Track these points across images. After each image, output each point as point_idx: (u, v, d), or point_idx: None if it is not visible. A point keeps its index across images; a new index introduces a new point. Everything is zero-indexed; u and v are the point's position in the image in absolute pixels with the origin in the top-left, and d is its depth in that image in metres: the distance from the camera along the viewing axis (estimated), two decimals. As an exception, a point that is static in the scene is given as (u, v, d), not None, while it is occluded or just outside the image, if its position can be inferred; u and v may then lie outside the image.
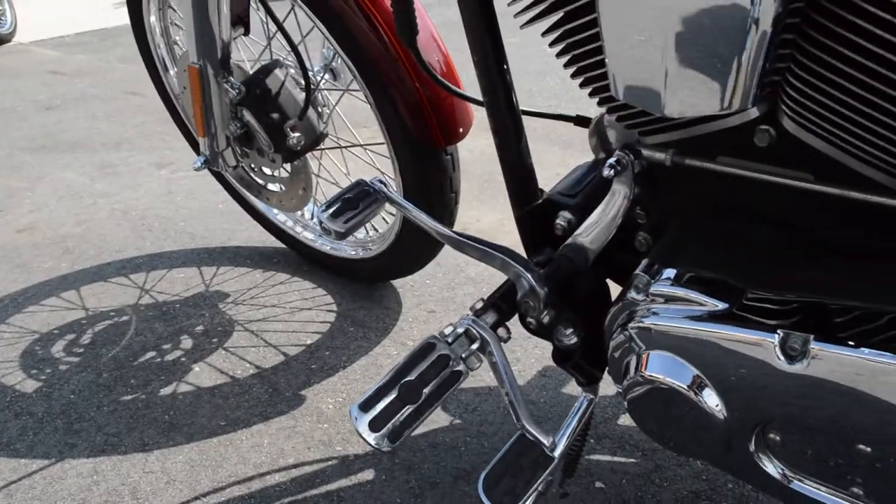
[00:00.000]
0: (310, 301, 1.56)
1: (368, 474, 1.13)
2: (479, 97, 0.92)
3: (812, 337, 0.62)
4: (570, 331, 0.87)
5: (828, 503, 0.69)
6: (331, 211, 0.92)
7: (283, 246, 1.74)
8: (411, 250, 1.42)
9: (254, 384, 1.34)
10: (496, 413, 1.22)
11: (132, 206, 2.06)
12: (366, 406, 0.77)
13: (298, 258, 1.71)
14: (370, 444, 0.75)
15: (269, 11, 1.19)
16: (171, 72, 1.65)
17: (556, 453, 0.88)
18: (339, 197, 0.94)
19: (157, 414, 1.28)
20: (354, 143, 1.46)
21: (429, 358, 0.80)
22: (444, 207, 1.31)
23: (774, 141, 0.69)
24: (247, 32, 1.32)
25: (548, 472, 0.76)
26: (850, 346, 0.61)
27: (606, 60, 0.64)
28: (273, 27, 1.23)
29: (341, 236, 0.93)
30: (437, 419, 1.22)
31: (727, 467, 0.76)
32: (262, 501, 1.10)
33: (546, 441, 0.77)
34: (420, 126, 1.19)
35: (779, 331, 0.64)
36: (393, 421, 0.76)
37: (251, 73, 1.31)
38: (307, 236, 1.64)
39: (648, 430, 0.79)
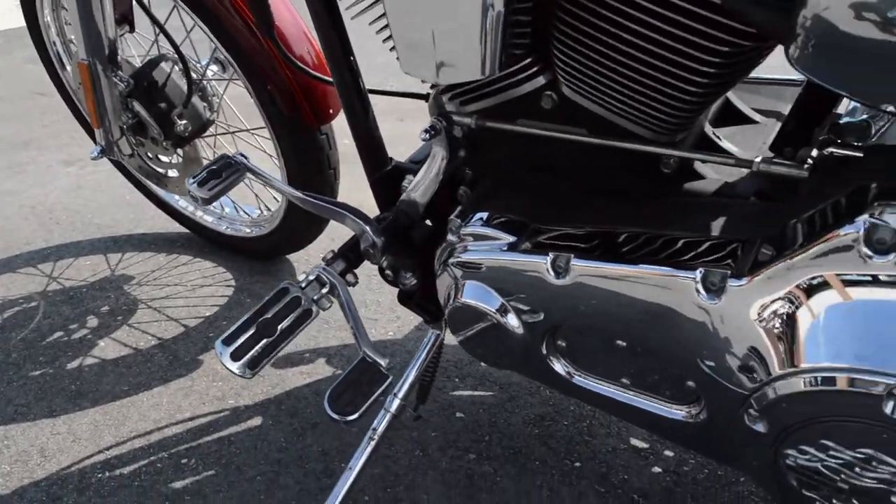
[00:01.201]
0: (210, 279, 1.68)
1: (256, 421, 1.26)
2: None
3: (573, 256, 0.78)
4: (409, 274, 1.02)
5: (602, 391, 0.85)
6: (197, 181, 1.05)
7: (186, 230, 1.85)
8: (299, 226, 1.55)
9: (155, 353, 1.45)
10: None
11: (40, 202, 2.13)
12: (228, 341, 0.90)
13: (200, 240, 1.82)
14: (233, 372, 0.89)
15: (147, 13, 1.31)
16: (68, 68, 1.75)
17: (408, 385, 1.03)
18: (205, 168, 1.07)
19: (65, 385, 1.38)
20: (241, 129, 1.59)
21: (283, 300, 0.93)
22: (324, 182, 1.44)
23: (557, 104, 0.85)
24: (132, 30, 1.43)
25: (384, 386, 0.90)
26: (602, 260, 0.77)
27: (393, 41, 0.79)
28: (164, 20, 1.34)
29: (206, 202, 1.06)
30: (321, 371, 1.36)
31: (529, 372, 0.92)
32: (160, 450, 1.22)
33: (383, 362, 0.92)
34: (293, 110, 1.33)
35: (550, 253, 0.80)
36: (252, 352, 0.90)
37: (139, 66, 1.42)
38: (207, 219, 1.75)
39: (469, 349, 0.95)
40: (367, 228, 0.97)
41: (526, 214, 0.87)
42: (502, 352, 0.91)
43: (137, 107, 1.43)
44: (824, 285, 0.61)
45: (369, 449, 1.04)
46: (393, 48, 0.81)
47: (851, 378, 0.59)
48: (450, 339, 1.42)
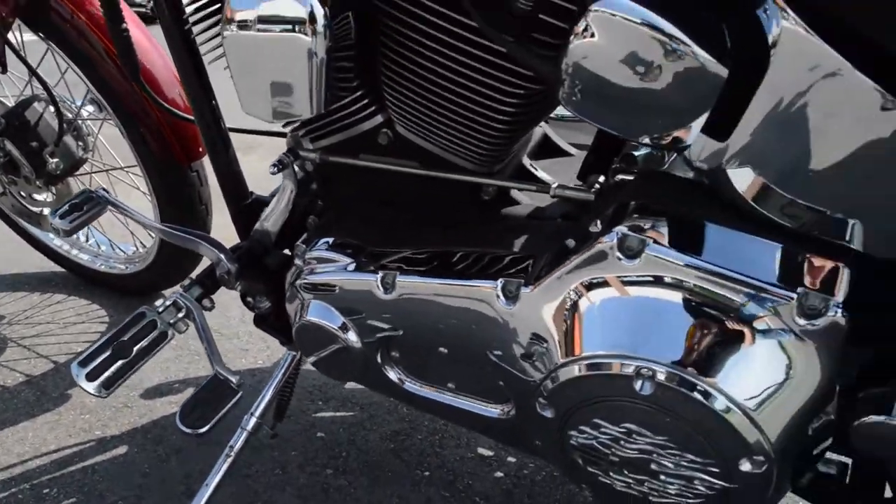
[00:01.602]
0: (84, 316, 1.70)
1: (122, 450, 1.29)
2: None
3: (398, 273, 0.88)
4: (263, 298, 1.09)
5: (430, 396, 0.95)
6: (59, 213, 1.11)
7: (62, 269, 1.86)
8: (173, 261, 1.60)
9: (23, 389, 1.46)
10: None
11: None
12: (84, 362, 0.95)
13: (76, 279, 1.84)
14: (89, 392, 0.94)
15: (17, 55, 1.36)
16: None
17: (264, 404, 1.10)
18: (67, 202, 1.12)
19: (-75, 423, 1.38)
20: (115, 167, 1.63)
21: (140, 323, 0.99)
22: (196, 218, 1.51)
23: (392, 141, 0.96)
24: (4, 71, 1.47)
25: (234, 400, 0.97)
26: (423, 275, 0.87)
27: (235, 87, 0.88)
28: (38, 62, 1.39)
29: (67, 234, 1.11)
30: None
31: (369, 383, 1.01)
32: (23, 482, 1.24)
33: (233, 378, 0.99)
34: (163, 149, 1.39)
35: (379, 271, 0.90)
36: (107, 373, 0.95)
37: (11, 106, 1.46)
38: (83, 257, 1.78)
39: (316, 364, 1.03)
40: (223, 256, 1.04)
41: (365, 239, 0.97)
42: (345, 365, 0.99)
43: (9, 146, 1.46)
44: (589, 287, 0.72)
45: (226, 465, 1.09)
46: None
47: (609, 363, 0.71)
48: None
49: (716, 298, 0.68)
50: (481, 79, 0.81)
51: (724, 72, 0.63)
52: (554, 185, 0.87)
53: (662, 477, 0.75)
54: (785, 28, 0.61)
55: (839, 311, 0.65)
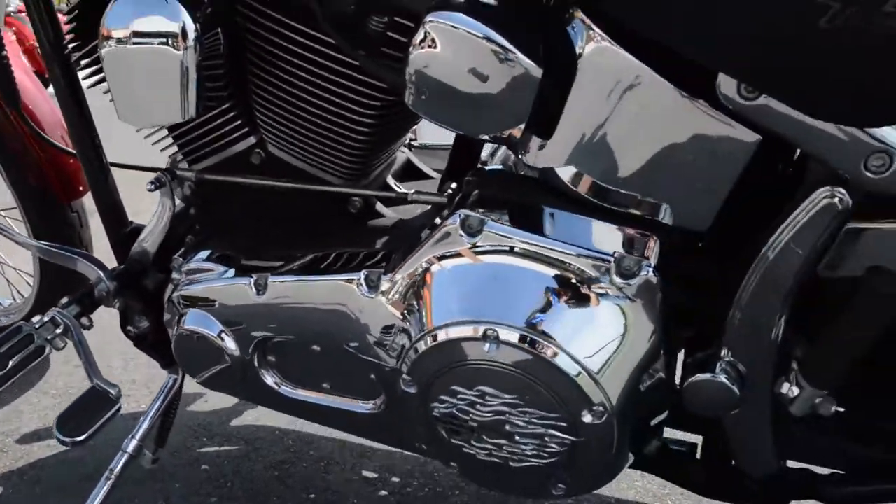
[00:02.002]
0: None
1: (-6, 491, 1.26)
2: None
3: (270, 274, 0.94)
4: (142, 318, 1.12)
5: (307, 399, 0.99)
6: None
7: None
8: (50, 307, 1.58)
9: None
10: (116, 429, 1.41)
11: None
12: (-47, 377, 0.95)
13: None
14: (-45, 406, 0.93)
15: None
16: None
17: (145, 427, 1.11)
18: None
19: None
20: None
21: (16, 337, 1.00)
22: (77, 262, 1.51)
23: (264, 159, 1.02)
24: None
25: (112, 411, 0.98)
26: (293, 274, 0.93)
27: (111, 94, 0.93)
28: None
29: None
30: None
31: (248, 392, 1.04)
32: None
33: (112, 390, 1.00)
34: (43, 187, 1.41)
35: (253, 275, 0.95)
36: (-22, 386, 0.95)
37: None
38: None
39: (196, 377, 1.05)
40: (101, 274, 1.07)
41: (240, 251, 1.02)
42: (224, 374, 1.02)
43: None
44: (438, 264, 0.80)
45: (106, 488, 1.08)
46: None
47: (459, 328, 0.78)
48: (199, 406, 1.49)
49: (547, 265, 0.76)
50: (341, 92, 0.90)
51: (539, 73, 0.74)
52: (411, 192, 0.96)
53: (517, 438, 0.81)
54: (590, 40, 0.73)
55: (650, 270, 0.74)
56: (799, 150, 0.77)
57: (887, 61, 0.58)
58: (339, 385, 0.98)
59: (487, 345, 0.77)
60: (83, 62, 1.02)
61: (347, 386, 0.97)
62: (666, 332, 0.78)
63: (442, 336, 0.79)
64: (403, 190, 1.06)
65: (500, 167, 0.94)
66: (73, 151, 1.32)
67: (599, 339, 0.76)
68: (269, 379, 1.00)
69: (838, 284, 0.73)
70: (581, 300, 0.76)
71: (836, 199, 0.69)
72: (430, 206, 1.00)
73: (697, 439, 0.94)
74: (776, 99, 0.66)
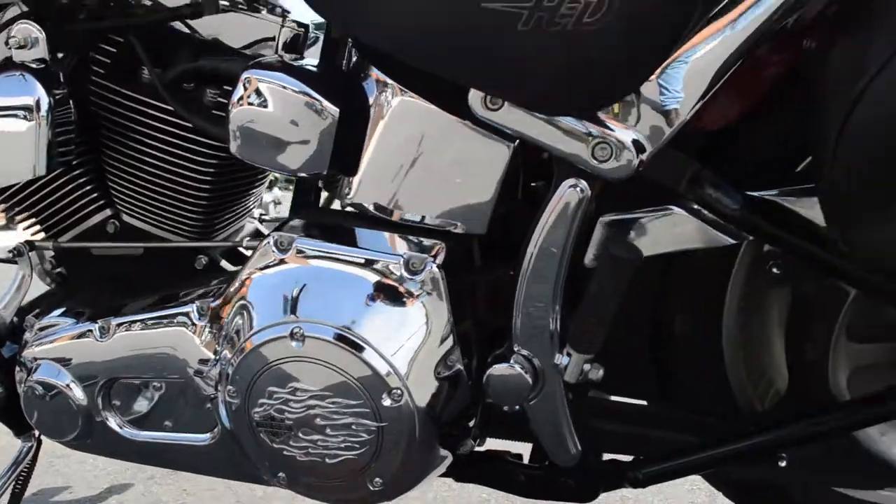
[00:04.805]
0: None
1: None
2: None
3: (113, 318, 1.01)
4: (-3, 386, 1.16)
5: (151, 439, 1.03)
6: None
7: None
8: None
9: None
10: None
11: None
12: None
13: None
14: None
15: None
16: None
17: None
18: None
19: None
20: None
21: None
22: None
23: (119, 228, 1.13)
24: None
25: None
26: (131, 314, 1.01)
27: None
28: None
29: None
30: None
31: (95, 443, 1.07)
32: None
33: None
34: None
35: (98, 321, 1.02)
36: None
37: None
38: None
39: (46, 432, 1.08)
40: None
41: (94, 306, 1.09)
42: (73, 424, 1.05)
43: None
44: (254, 277, 0.91)
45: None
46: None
47: (270, 331, 0.87)
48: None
49: (346, 268, 0.88)
50: (181, 154, 1.03)
51: (336, 116, 0.88)
52: (247, 239, 1.08)
53: (329, 430, 0.87)
54: (380, 88, 0.88)
55: (433, 265, 0.87)
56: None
57: (572, 54, 0.74)
58: (180, 420, 1.03)
59: (294, 342, 0.86)
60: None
61: (188, 420, 1.03)
62: (458, 323, 0.88)
63: (256, 341, 0.88)
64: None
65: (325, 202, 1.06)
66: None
67: (393, 328, 0.86)
68: (114, 422, 1.04)
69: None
70: (375, 294, 0.87)
71: (578, 189, 0.83)
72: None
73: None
74: (511, 103, 0.81)
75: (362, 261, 0.88)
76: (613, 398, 1.01)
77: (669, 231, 0.85)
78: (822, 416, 0.88)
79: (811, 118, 0.74)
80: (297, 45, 1.07)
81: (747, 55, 0.77)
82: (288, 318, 0.87)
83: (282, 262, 0.90)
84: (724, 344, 0.94)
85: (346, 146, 0.90)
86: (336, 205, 1.02)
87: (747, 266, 0.88)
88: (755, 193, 0.84)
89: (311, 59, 0.99)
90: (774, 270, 0.84)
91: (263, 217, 1.32)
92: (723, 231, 0.83)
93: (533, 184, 0.93)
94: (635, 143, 0.80)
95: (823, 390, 0.90)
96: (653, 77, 0.77)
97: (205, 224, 1.10)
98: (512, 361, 0.88)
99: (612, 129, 0.80)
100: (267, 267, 0.90)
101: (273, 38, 1.08)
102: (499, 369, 0.89)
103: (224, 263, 1.14)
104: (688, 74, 0.78)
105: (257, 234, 1.26)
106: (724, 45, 0.76)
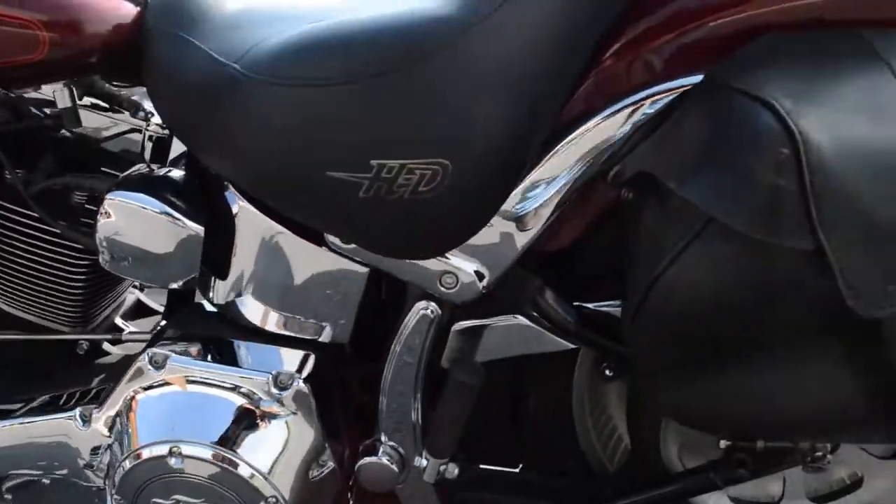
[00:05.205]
0: None
1: None
2: None
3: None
4: None
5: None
6: None
7: None
8: None
9: None
10: None
11: None
12: None
13: None
14: None
15: None
16: None
17: None
18: None
19: None
20: None
21: None
22: None
23: (-2, 316, 1.14)
24: None
25: None
26: (18, 419, 1.04)
27: None
28: None
29: None
30: None
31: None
32: None
33: None
34: None
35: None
36: None
37: None
38: None
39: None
40: None
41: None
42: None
43: None
44: (134, 396, 0.95)
45: None
46: None
47: (151, 449, 0.92)
48: None
49: (219, 388, 0.94)
50: (52, 255, 1.04)
51: (200, 233, 0.92)
52: (126, 332, 1.11)
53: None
54: (240, 206, 0.92)
55: (300, 382, 0.93)
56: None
57: (410, 218, 0.81)
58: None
59: (173, 459, 0.92)
60: None
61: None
62: (329, 424, 0.96)
63: (136, 459, 0.93)
64: (132, 329, 1.20)
65: (198, 303, 1.10)
66: None
67: (265, 442, 0.93)
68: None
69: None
70: (248, 412, 0.93)
71: (429, 311, 0.91)
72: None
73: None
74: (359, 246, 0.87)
75: (234, 379, 0.93)
76: (483, 466, 1.11)
77: (515, 337, 0.94)
78: (658, 486, 1.00)
79: (625, 268, 0.83)
80: (163, 147, 1.08)
81: (576, 194, 0.85)
82: (167, 436, 0.92)
83: (158, 381, 0.94)
84: (574, 417, 1.05)
85: (214, 254, 0.95)
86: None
87: (587, 366, 0.98)
88: (589, 305, 0.93)
89: (175, 172, 1.01)
90: (607, 372, 0.94)
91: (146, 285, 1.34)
92: (562, 337, 0.93)
93: (392, 298, 0.99)
94: (477, 273, 0.88)
95: (658, 461, 1.02)
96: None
97: (83, 314, 1.12)
98: (380, 453, 0.96)
99: (456, 263, 0.87)
100: (143, 386, 0.95)
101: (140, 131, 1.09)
102: (368, 461, 0.97)
103: (106, 346, 1.17)
104: (525, 211, 0.85)
105: (140, 309, 1.28)
106: (554, 185, 0.85)
